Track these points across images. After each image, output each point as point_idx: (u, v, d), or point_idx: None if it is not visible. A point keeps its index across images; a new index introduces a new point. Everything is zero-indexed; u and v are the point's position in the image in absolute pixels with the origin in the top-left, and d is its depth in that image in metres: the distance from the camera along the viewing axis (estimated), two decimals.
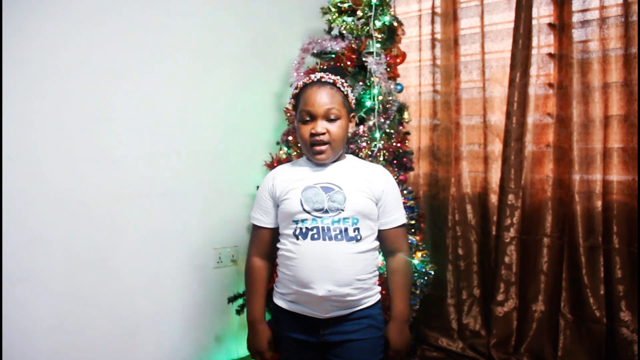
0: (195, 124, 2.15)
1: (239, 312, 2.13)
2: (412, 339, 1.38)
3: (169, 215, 2.05)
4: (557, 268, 2.35)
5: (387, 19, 2.16)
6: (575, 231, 2.26)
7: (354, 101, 1.36)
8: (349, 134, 1.37)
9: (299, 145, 2.11)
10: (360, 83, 2.11)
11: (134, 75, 1.93)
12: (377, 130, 2.08)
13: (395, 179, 1.44)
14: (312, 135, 1.26)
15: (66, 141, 1.74)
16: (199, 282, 2.17)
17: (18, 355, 1.62)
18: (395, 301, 1.34)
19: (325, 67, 2.14)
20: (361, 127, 2.08)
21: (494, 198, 2.54)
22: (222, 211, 2.26)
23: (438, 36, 2.71)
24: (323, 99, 1.26)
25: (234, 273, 2.30)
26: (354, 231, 1.24)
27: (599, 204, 2.22)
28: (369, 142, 2.07)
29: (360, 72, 2.14)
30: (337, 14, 2.22)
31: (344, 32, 2.20)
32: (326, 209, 1.23)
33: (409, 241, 2.09)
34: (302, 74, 2.16)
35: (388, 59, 2.16)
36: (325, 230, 1.23)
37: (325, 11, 2.25)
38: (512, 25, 2.41)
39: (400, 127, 2.24)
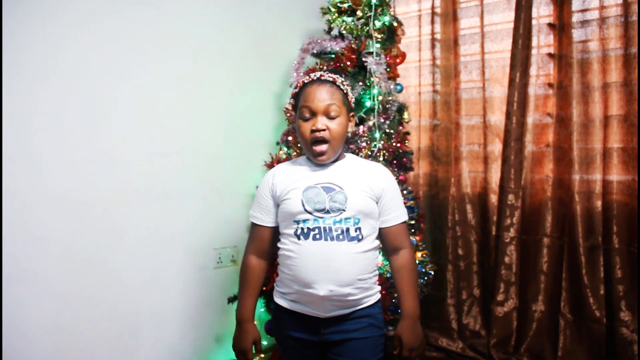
0: (195, 124, 2.15)
1: None
2: (424, 336, 1.35)
3: (169, 215, 2.05)
4: (557, 268, 2.35)
5: (387, 19, 2.16)
6: (575, 231, 2.26)
7: (353, 100, 1.36)
8: (349, 134, 1.37)
9: (299, 145, 2.12)
10: (360, 83, 2.11)
11: (134, 75, 1.93)
12: (377, 130, 2.08)
13: (395, 179, 1.44)
14: (313, 131, 1.26)
15: (66, 141, 1.74)
16: (199, 282, 2.17)
17: (18, 355, 1.62)
18: (404, 298, 1.32)
19: (325, 67, 2.14)
20: (361, 127, 2.08)
21: (493, 198, 2.54)
22: (222, 211, 2.26)
23: (438, 36, 2.71)
24: (323, 95, 1.27)
25: (234, 273, 2.30)
26: (356, 231, 1.25)
27: (599, 204, 2.23)
28: (369, 142, 2.07)
29: (360, 72, 2.14)
30: (337, 14, 2.22)
31: (344, 32, 2.20)
32: (327, 209, 1.23)
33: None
34: (302, 74, 2.17)
35: (388, 59, 2.17)
36: (327, 231, 1.23)
37: (325, 11, 2.26)
38: (512, 25, 2.41)
39: (400, 127, 2.25)
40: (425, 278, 2.15)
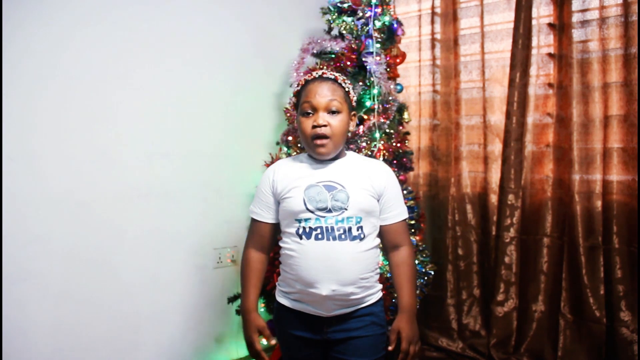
0: (195, 124, 2.15)
1: (239, 312, 2.13)
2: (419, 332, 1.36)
3: (169, 215, 2.05)
4: (557, 268, 2.35)
5: (387, 19, 2.16)
6: (575, 231, 2.26)
7: (355, 99, 1.36)
8: (349, 133, 1.37)
9: (299, 145, 2.12)
10: (360, 83, 2.11)
11: (134, 75, 1.93)
12: (377, 130, 2.08)
13: (395, 176, 1.44)
14: (314, 127, 1.25)
15: (66, 141, 1.74)
16: (199, 282, 2.17)
17: (18, 354, 1.62)
18: (402, 293, 1.33)
19: (325, 67, 2.14)
20: (361, 127, 2.08)
21: (493, 198, 2.54)
22: (222, 211, 2.26)
23: (438, 36, 2.71)
24: (325, 91, 1.27)
25: (234, 273, 2.30)
26: (357, 230, 1.25)
27: (599, 204, 2.23)
28: (369, 142, 2.07)
29: (360, 72, 2.14)
30: (337, 14, 2.22)
31: (344, 32, 2.20)
32: (329, 208, 1.23)
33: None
34: (302, 74, 2.16)
35: (388, 59, 2.16)
36: (329, 230, 1.23)
37: (325, 11, 2.25)
38: (512, 25, 2.41)
39: (400, 127, 2.25)
40: (425, 278, 2.15)
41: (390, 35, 2.22)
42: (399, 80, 2.33)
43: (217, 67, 2.23)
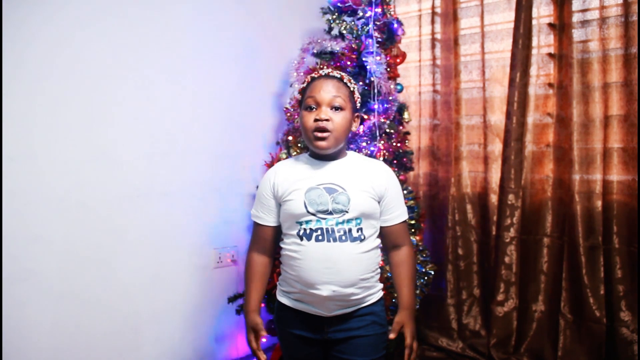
0: (195, 124, 2.15)
1: (239, 312, 2.13)
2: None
3: (169, 215, 2.05)
4: (557, 268, 2.35)
5: (387, 18, 2.16)
6: (575, 231, 2.26)
7: (359, 100, 1.37)
8: (350, 133, 1.37)
9: (299, 145, 2.12)
10: (360, 83, 2.11)
11: (134, 76, 1.93)
12: (377, 130, 2.08)
13: (396, 176, 1.44)
14: (316, 120, 1.25)
15: (66, 141, 1.74)
16: (199, 282, 2.17)
17: (18, 354, 1.62)
18: (403, 291, 1.34)
19: (325, 67, 2.14)
20: (361, 127, 2.08)
21: (494, 198, 2.54)
22: (222, 211, 2.26)
23: (438, 36, 2.71)
24: (329, 88, 1.27)
25: (234, 273, 2.30)
26: (358, 231, 1.25)
27: (599, 204, 2.22)
28: (369, 142, 2.07)
29: (360, 72, 2.14)
30: (337, 14, 2.22)
31: (344, 32, 2.20)
32: (330, 211, 1.23)
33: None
34: (302, 73, 2.17)
35: (388, 58, 2.16)
36: (330, 232, 1.23)
37: (325, 11, 2.25)
38: (512, 25, 2.41)
39: (400, 127, 2.25)
40: (425, 278, 2.15)
41: (390, 35, 2.22)
42: (399, 80, 2.33)
43: (217, 67, 2.23)
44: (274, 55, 2.47)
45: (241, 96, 2.34)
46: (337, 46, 2.17)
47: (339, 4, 2.22)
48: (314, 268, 1.23)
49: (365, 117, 2.11)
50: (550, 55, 2.39)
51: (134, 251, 1.94)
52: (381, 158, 2.06)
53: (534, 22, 2.39)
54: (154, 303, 2.01)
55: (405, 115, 2.25)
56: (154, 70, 1.99)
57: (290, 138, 2.18)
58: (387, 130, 2.13)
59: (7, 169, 1.59)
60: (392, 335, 1.30)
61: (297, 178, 1.29)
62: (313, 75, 1.34)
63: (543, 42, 2.41)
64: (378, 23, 2.15)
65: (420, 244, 2.20)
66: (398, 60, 2.28)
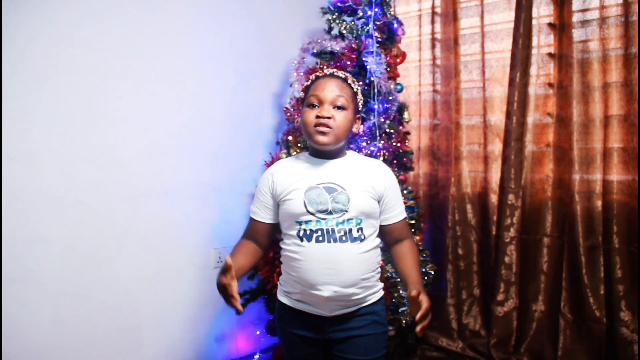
0: (195, 123, 2.15)
1: (238, 311, 2.13)
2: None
3: (169, 215, 2.05)
4: (557, 268, 2.35)
5: (387, 18, 2.16)
6: (575, 231, 2.26)
7: (362, 102, 1.37)
8: (350, 134, 1.37)
9: (299, 145, 2.12)
10: (360, 83, 2.11)
11: (134, 75, 1.93)
12: (377, 130, 2.08)
13: (394, 175, 1.44)
14: (318, 117, 1.25)
15: (66, 141, 1.74)
16: (199, 282, 2.17)
17: (18, 354, 1.62)
18: (412, 272, 1.28)
19: (325, 67, 2.14)
20: (361, 127, 2.08)
21: (494, 198, 2.54)
22: (222, 211, 2.26)
23: (438, 36, 2.71)
24: (333, 87, 1.28)
25: None
26: (358, 231, 1.25)
27: (599, 203, 2.22)
28: (369, 142, 2.07)
29: (360, 71, 2.14)
30: (337, 14, 2.22)
31: (344, 31, 2.20)
32: (330, 210, 1.23)
33: None
34: (302, 73, 2.17)
35: (388, 58, 2.16)
36: (330, 232, 1.23)
37: (326, 11, 2.25)
38: (512, 25, 2.41)
39: (400, 127, 2.25)
40: (425, 278, 2.15)
41: (390, 35, 2.22)
42: (399, 80, 2.32)
43: (217, 67, 2.23)
44: (274, 55, 2.47)
45: (241, 96, 2.34)
46: (337, 46, 2.17)
47: (339, 4, 2.22)
48: (315, 269, 1.23)
49: (365, 116, 2.11)
50: (550, 55, 2.39)
51: (134, 251, 1.94)
52: (381, 158, 2.06)
53: (534, 22, 2.39)
54: (154, 303, 2.01)
55: (405, 115, 2.25)
56: (154, 70, 1.99)
57: (290, 138, 2.18)
58: (387, 130, 2.13)
59: (7, 169, 1.59)
60: (414, 293, 1.17)
61: (296, 177, 1.29)
62: (318, 73, 1.34)
63: (543, 42, 2.41)
64: (378, 23, 2.15)
65: (420, 244, 2.20)
66: (398, 60, 2.28)
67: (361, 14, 2.16)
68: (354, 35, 2.17)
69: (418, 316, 1.15)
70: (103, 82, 1.83)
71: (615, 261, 2.17)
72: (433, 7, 2.71)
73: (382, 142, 2.09)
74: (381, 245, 1.36)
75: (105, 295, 1.85)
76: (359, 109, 1.36)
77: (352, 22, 2.20)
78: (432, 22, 2.72)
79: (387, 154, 2.09)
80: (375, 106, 2.09)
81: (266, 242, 1.38)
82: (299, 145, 2.13)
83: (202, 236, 2.19)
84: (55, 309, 1.72)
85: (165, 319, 2.06)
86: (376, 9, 2.14)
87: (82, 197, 1.78)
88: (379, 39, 2.14)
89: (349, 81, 1.33)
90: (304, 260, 1.24)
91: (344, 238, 1.23)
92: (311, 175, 1.29)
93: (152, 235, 2.00)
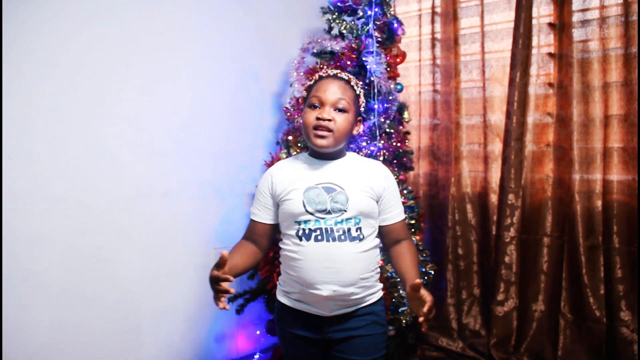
0: (195, 123, 2.15)
1: (239, 311, 2.13)
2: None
3: (169, 214, 2.05)
4: (557, 268, 2.35)
5: (387, 18, 2.16)
6: (575, 231, 2.26)
7: (364, 104, 1.36)
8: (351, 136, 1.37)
9: (299, 145, 2.12)
10: (361, 83, 2.11)
11: (133, 76, 1.93)
12: (377, 130, 2.08)
13: (395, 178, 1.44)
14: (318, 119, 1.25)
15: (66, 141, 1.74)
16: (199, 282, 2.17)
17: (18, 354, 1.62)
18: (410, 273, 1.26)
19: (325, 66, 2.14)
20: (361, 127, 2.07)
21: (494, 198, 2.54)
22: (222, 211, 2.26)
23: (438, 36, 2.71)
24: (335, 89, 1.28)
25: None
26: (357, 231, 1.25)
27: (599, 203, 2.22)
28: (369, 141, 2.07)
29: (360, 71, 2.14)
30: (337, 14, 2.22)
31: (344, 31, 2.20)
32: (329, 210, 1.23)
33: None
34: (302, 73, 2.16)
35: (388, 58, 2.16)
36: (329, 232, 1.23)
37: (326, 11, 2.25)
38: (512, 24, 2.41)
39: (400, 127, 2.25)
40: (425, 278, 2.15)
41: (391, 34, 2.22)
42: (399, 79, 2.32)
43: (217, 67, 2.23)
44: (274, 55, 2.47)
45: (241, 96, 2.34)
46: (337, 46, 2.17)
47: (339, 4, 2.22)
48: (313, 268, 1.22)
49: (365, 117, 2.11)
50: (550, 54, 2.39)
51: (134, 251, 1.94)
52: (381, 158, 2.06)
53: (534, 21, 2.39)
54: (154, 302, 2.01)
55: (405, 115, 2.25)
56: (154, 70, 1.99)
57: (290, 138, 2.18)
58: (387, 130, 2.13)
59: (7, 168, 1.59)
60: (417, 281, 1.14)
61: (296, 177, 1.29)
62: (321, 73, 1.34)
63: (543, 41, 2.41)
64: (378, 23, 2.15)
65: (420, 244, 2.20)
66: (398, 60, 2.28)
67: (361, 13, 2.16)
68: (354, 35, 2.17)
69: (425, 309, 1.13)
70: (103, 82, 1.83)
71: (615, 261, 2.17)
72: (433, 6, 2.71)
73: (382, 142, 2.09)
74: (380, 245, 1.37)
75: (106, 295, 1.85)
76: (361, 111, 1.36)
77: (352, 22, 2.20)
78: (432, 22, 2.72)
79: (387, 153, 2.09)
80: (375, 106, 2.08)
81: (266, 243, 1.37)
82: (299, 145, 2.13)
83: (202, 236, 2.19)
84: (55, 308, 1.72)
85: (166, 319, 2.06)
86: (376, 9, 2.14)
87: (82, 197, 1.78)
88: (379, 39, 2.14)
89: (352, 83, 1.32)
90: (303, 260, 1.24)
91: (342, 237, 1.23)
92: (310, 175, 1.29)
93: (152, 235, 2.00)
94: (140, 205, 1.95)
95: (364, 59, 2.10)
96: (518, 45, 2.38)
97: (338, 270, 1.22)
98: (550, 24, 2.38)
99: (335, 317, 1.28)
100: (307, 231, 1.24)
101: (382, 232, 1.35)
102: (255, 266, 1.46)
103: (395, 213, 1.35)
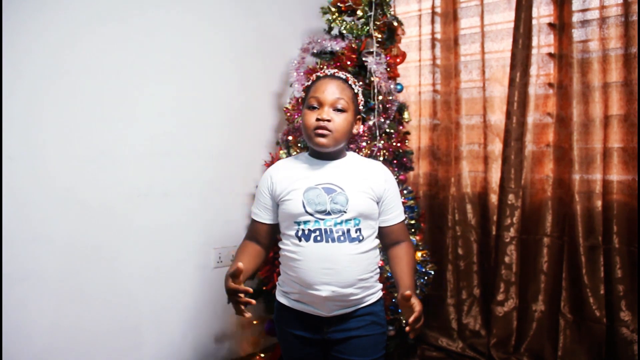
0: (196, 123, 2.15)
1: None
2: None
3: (169, 214, 2.05)
4: (557, 268, 2.35)
5: (387, 18, 2.16)
6: (575, 231, 2.26)
7: (362, 103, 1.36)
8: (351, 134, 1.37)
9: (299, 145, 2.12)
10: (361, 83, 2.11)
11: (133, 76, 1.93)
12: (377, 130, 2.08)
13: (395, 178, 1.44)
14: (318, 120, 1.25)
15: (67, 141, 1.74)
16: (199, 282, 2.17)
17: (18, 354, 1.62)
18: (404, 278, 1.28)
19: (325, 66, 2.14)
20: (361, 126, 2.08)
21: (494, 198, 2.54)
22: (222, 211, 2.26)
23: (438, 36, 2.71)
24: (333, 89, 1.28)
25: None
26: (356, 232, 1.25)
27: (599, 203, 2.23)
28: (369, 141, 2.07)
29: (360, 72, 2.14)
30: (337, 14, 2.22)
31: (344, 31, 2.20)
32: (329, 211, 1.23)
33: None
34: (302, 73, 2.16)
35: (388, 58, 2.16)
36: (328, 232, 1.23)
37: (325, 11, 2.25)
38: (512, 25, 2.41)
39: (400, 127, 2.24)
40: (425, 278, 2.15)
41: (391, 34, 2.22)
42: (399, 79, 2.32)
43: (217, 67, 2.23)
44: (274, 55, 2.47)
45: (241, 96, 2.34)
46: (337, 46, 2.17)
47: (339, 4, 2.22)
48: (312, 269, 1.22)
49: (365, 116, 2.11)
50: (550, 55, 2.39)
51: (134, 250, 1.94)
52: (381, 158, 2.06)
53: (534, 21, 2.39)
54: (154, 302, 2.01)
55: (405, 115, 2.25)
56: (154, 70, 1.99)
57: (290, 138, 2.18)
58: (387, 130, 2.13)
59: (7, 168, 1.59)
60: (407, 293, 1.15)
61: (296, 177, 1.29)
62: (319, 74, 1.34)
63: (543, 41, 2.41)
64: (378, 23, 2.15)
65: (420, 244, 2.20)
66: (398, 60, 2.28)
67: (361, 14, 2.16)
68: (354, 35, 2.17)
69: (411, 319, 1.15)
70: (103, 82, 1.83)
71: (615, 261, 2.17)
72: (433, 7, 2.71)
73: (382, 142, 2.09)
74: (380, 246, 1.37)
75: (106, 295, 1.85)
76: (360, 110, 1.36)
77: (352, 22, 2.20)
78: (432, 22, 2.72)
79: (387, 154, 2.09)
80: (375, 106, 2.08)
81: (268, 243, 1.38)
82: (299, 145, 2.13)
83: (202, 236, 2.19)
84: (55, 308, 1.72)
85: (166, 319, 2.06)
86: (376, 9, 2.14)
87: (82, 197, 1.78)
88: (379, 39, 2.14)
89: (350, 82, 1.32)
90: (302, 260, 1.24)
91: (342, 238, 1.23)
92: (310, 175, 1.29)
93: (153, 235, 2.00)
94: (140, 205, 1.95)
95: (364, 59, 2.10)
96: (518, 46, 2.38)
97: (337, 271, 1.22)
98: (550, 24, 2.38)
99: (335, 318, 1.28)
100: (306, 232, 1.24)
101: (381, 233, 1.35)
102: (262, 265, 1.47)
103: (394, 215, 1.34)
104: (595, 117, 2.24)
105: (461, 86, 2.62)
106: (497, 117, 2.54)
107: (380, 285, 1.36)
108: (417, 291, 2.07)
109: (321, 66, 2.18)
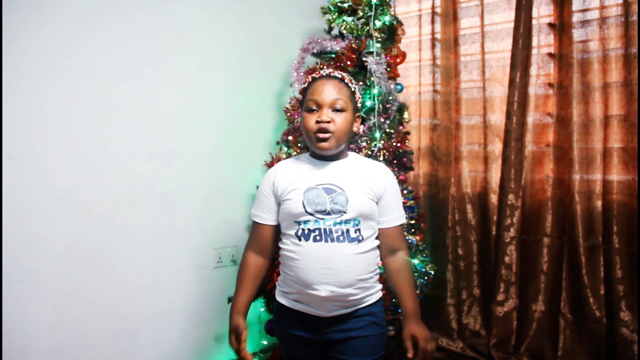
0: (195, 123, 2.15)
1: None
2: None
3: (169, 215, 2.05)
4: (557, 268, 2.35)
5: (387, 18, 2.16)
6: (575, 231, 2.26)
7: (361, 100, 1.36)
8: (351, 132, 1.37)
9: (299, 145, 2.12)
10: (361, 83, 2.11)
11: (133, 76, 1.93)
12: (377, 130, 2.08)
13: (395, 178, 1.44)
14: (318, 122, 1.25)
15: (66, 141, 1.74)
16: (199, 282, 2.17)
17: (18, 354, 1.62)
18: (405, 299, 1.31)
19: (325, 67, 2.14)
20: (361, 127, 2.08)
21: (494, 198, 2.54)
22: (222, 211, 2.26)
23: (438, 36, 2.71)
24: (330, 89, 1.27)
25: (233, 273, 2.29)
26: (356, 232, 1.25)
27: (599, 203, 2.23)
28: (369, 142, 2.07)
29: (360, 72, 2.14)
30: (337, 14, 2.22)
31: (344, 32, 2.20)
32: (328, 211, 1.23)
33: (409, 241, 2.09)
34: (302, 73, 2.16)
35: (388, 58, 2.16)
36: (328, 232, 1.23)
37: (325, 11, 2.25)
38: (512, 25, 2.41)
39: (400, 127, 2.24)
40: (425, 278, 2.14)
41: (391, 35, 2.22)
42: (399, 80, 2.32)
43: (217, 67, 2.23)
44: (274, 55, 2.47)
45: (241, 96, 2.34)
46: (337, 46, 2.17)
47: (339, 4, 2.21)
48: (312, 268, 1.22)
49: (365, 116, 2.11)
50: (550, 55, 2.39)
51: (134, 251, 1.94)
52: (381, 158, 2.06)
53: (534, 22, 2.39)
54: (154, 303, 2.01)
55: (405, 115, 2.25)
56: (154, 70, 1.99)
57: (290, 138, 2.18)
58: (387, 130, 2.13)
59: (7, 169, 1.59)
60: (410, 354, 1.22)
61: (296, 178, 1.29)
62: (314, 75, 1.33)
63: (543, 42, 2.41)
64: (378, 23, 2.15)
65: (420, 244, 2.20)
66: (398, 60, 2.28)
67: (361, 14, 2.16)
68: (354, 35, 2.17)
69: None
70: (103, 82, 1.83)
71: (615, 261, 2.17)
72: (433, 7, 2.71)
73: (382, 142, 2.09)
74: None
75: (105, 295, 1.85)
76: (358, 107, 1.36)
77: (352, 22, 2.20)
78: (432, 22, 2.72)
79: (387, 154, 2.09)
80: (375, 106, 2.08)
81: (272, 246, 1.37)
82: (299, 145, 2.13)
83: (202, 236, 2.18)
84: (55, 308, 1.72)
85: (166, 319, 2.06)
86: (376, 9, 2.14)
87: (82, 197, 1.78)
88: (379, 39, 2.14)
89: (346, 81, 1.31)
90: (301, 260, 1.24)
91: (341, 238, 1.23)
92: (311, 176, 1.29)
93: (152, 235, 2.00)
94: (140, 205, 1.95)
95: (364, 59, 2.10)
96: (518, 46, 2.38)
97: (336, 271, 1.22)
98: (550, 24, 2.38)
99: (334, 318, 1.27)
100: (306, 231, 1.24)
101: (379, 235, 1.34)
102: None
103: (393, 217, 1.33)
104: (595, 117, 2.24)
105: (461, 86, 2.62)
106: (497, 117, 2.54)
107: (380, 286, 1.36)
108: (417, 291, 2.08)
109: (321, 66, 2.18)
